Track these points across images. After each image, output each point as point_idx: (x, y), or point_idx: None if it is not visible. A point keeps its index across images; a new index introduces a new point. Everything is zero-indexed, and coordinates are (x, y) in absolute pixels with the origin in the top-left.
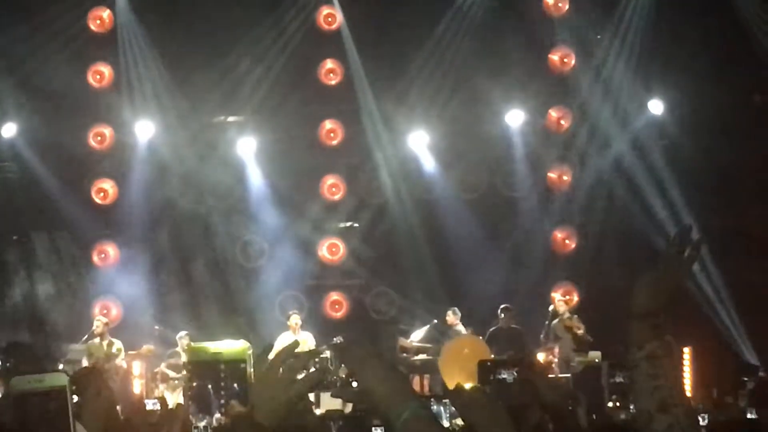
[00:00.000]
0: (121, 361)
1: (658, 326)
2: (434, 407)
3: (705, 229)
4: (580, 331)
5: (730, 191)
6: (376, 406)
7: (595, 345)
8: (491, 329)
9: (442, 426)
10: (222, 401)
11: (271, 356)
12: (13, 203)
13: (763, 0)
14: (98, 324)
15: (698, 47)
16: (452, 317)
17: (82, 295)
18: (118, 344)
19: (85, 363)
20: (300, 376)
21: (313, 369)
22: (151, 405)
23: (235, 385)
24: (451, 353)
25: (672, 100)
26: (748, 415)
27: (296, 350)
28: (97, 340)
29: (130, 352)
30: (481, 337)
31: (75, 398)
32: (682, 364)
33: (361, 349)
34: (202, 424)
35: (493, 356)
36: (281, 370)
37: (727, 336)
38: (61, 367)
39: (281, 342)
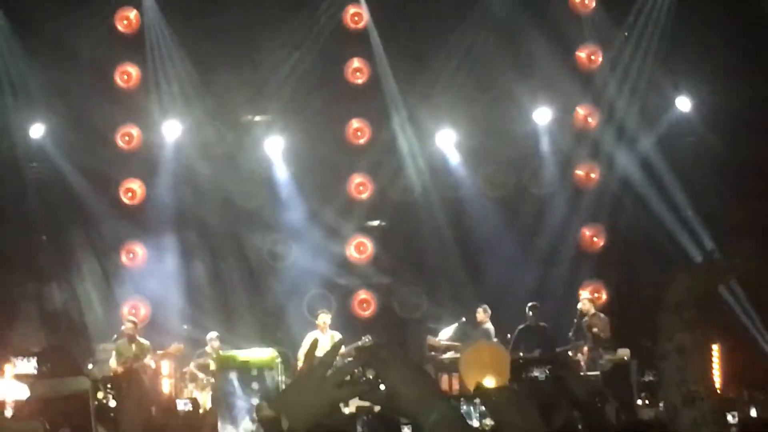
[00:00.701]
0: (149, 361)
1: (689, 319)
2: (464, 407)
3: (732, 225)
4: (595, 329)
5: (757, 187)
6: (404, 408)
7: (623, 343)
8: (519, 327)
9: (470, 426)
10: (250, 408)
11: (300, 357)
12: (41, 204)
13: None
14: (129, 325)
15: (725, 44)
16: (482, 314)
17: (111, 295)
18: (146, 344)
19: (113, 363)
20: (329, 373)
21: (354, 375)
22: (182, 405)
23: (264, 391)
24: (470, 360)
25: (699, 97)
26: None
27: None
28: (125, 340)
29: (158, 352)
30: (508, 335)
31: (113, 402)
32: (711, 360)
33: (387, 351)
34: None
35: (521, 354)
36: (311, 376)
37: (753, 333)
38: (90, 367)
39: (308, 341)
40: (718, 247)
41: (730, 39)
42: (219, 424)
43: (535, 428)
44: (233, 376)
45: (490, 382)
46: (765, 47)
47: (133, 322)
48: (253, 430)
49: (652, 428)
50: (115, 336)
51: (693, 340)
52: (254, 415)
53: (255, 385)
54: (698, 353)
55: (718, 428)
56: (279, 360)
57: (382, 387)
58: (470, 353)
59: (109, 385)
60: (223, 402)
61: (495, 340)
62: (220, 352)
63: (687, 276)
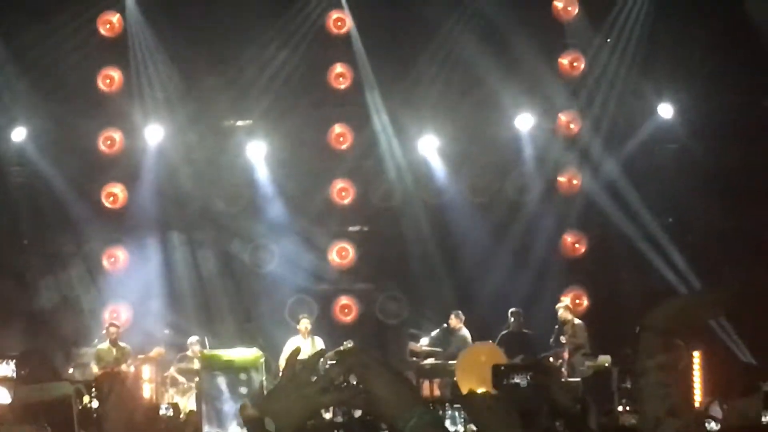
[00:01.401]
0: (129, 366)
1: (670, 344)
2: (448, 412)
3: (713, 231)
4: (572, 337)
5: (739, 194)
6: (383, 413)
7: (604, 349)
8: (502, 333)
9: (448, 431)
10: (235, 408)
11: (281, 362)
12: (22, 208)
13: None
14: (111, 329)
15: (707, 50)
16: (454, 320)
17: (93, 299)
18: (127, 348)
19: (94, 367)
20: (313, 379)
21: (328, 378)
22: (163, 410)
23: (248, 391)
24: (468, 360)
25: (681, 103)
26: (764, 419)
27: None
28: (106, 344)
29: (139, 356)
30: (490, 342)
31: (95, 403)
32: (692, 369)
33: (367, 356)
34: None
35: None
36: (296, 381)
37: (730, 339)
38: (71, 371)
39: (290, 346)
40: (700, 255)
41: (712, 44)
42: (205, 427)
43: None
44: (221, 379)
45: (483, 385)
46: (747, 52)
47: (116, 326)
48: None
49: None
50: (96, 340)
51: (675, 359)
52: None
53: (243, 390)
54: (678, 370)
55: None
56: (262, 360)
57: (363, 392)
58: (468, 354)
59: (93, 389)
60: (208, 404)
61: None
62: (204, 351)
63: (675, 306)
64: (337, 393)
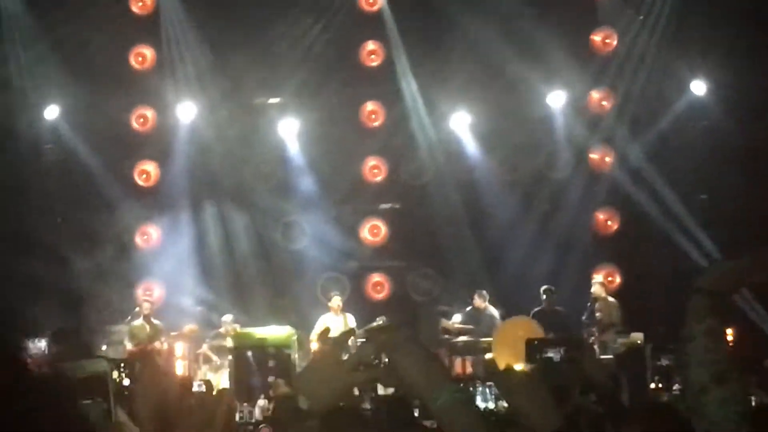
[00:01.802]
0: (162, 343)
1: (719, 307)
2: (479, 389)
3: (745, 212)
4: (598, 314)
5: None
6: (414, 391)
7: (636, 327)
8: (534, 310)
9: (478, 409)
10: (268, 387)
11: (312, 338)
12: (56, 185)
13: None
14: (147, 306)
15: (739, 27)
16: (478, 300)
17: (126, 276)
18: (160, 325)
19: (128, 344)
20: (344, 358)
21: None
22: (196, 386)
23: (280, 368)
24: (505, 335)
25: (714, 81)
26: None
27: (331, 333)
28: (139, 321)
29: (172, 333)
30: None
31: (126, 381)
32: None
33: (398, 334)
34: (245, 408)
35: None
36: (327, 359)
37: (760, 319)
38: (104, 348)
39: (322, 323)
40: (731, 234)
41: (745, 21)
42: (236, 401)
43: (548, 410)
44: (250, 354)
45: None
46: None
47: (150, 302)
48: (267, 406)
49: (666, 410)
50: (129, 317)
51: (721, 325)
52: (270, 392)
53: (271, 363)
54: (725, 338)
55: (744, 408)
56: (295, 338)
57: (394, 370)
58: (504, 330)
59: (122, 366)
60: (241, 380)
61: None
62: (237, 329)
63: (725, 268)
64: (369, 371)
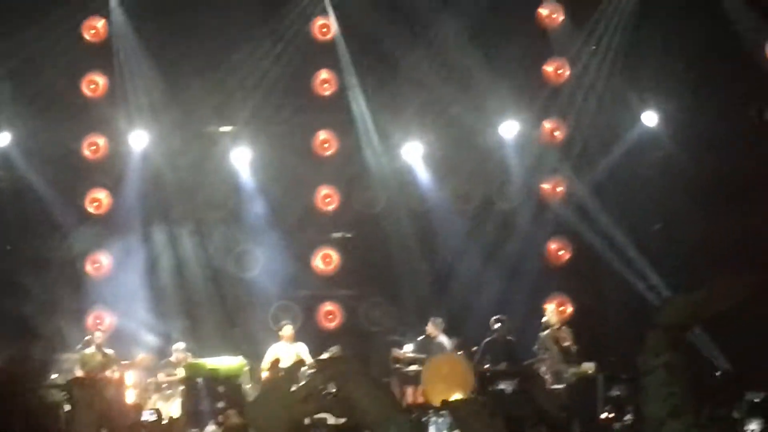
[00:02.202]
0: (114, 371)
1: (678, 341)
2: (432, 418)
3: (700, 238)
4: (566, 343)
5: (726, 201)
6: (364, 421)
7: (587, 356)
8: (486, 340)
9: None
10: (218, 414)
11: (263, 367)
12: (6, 213)
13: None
14: (98, 335)
15: (691, 59)
16: (431, 327)
17: (76, 304)
18: (111, 354)
19: (78, 372)
20: (293, 389)
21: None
22: (147, 415)
23: (230, 395)
24: (431, 374)
25: (666, 111)
26: (748, 427)
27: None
28: (91, 349)
29: (124, 362)
30: (474, 348)
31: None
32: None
33: (347, 364)
34: None
35: (488, 367)
36: (277, 390)
37: (706, 349)
38: (55, 377)
39: (273, 353)
40: (686, 262)
41: (696, 53)
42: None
43: None
44: (200, 380)
45: (454, 395)
46: (731, 60)
47: (102, 331)
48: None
49: None
50: (80, 345)
51: (680, 359)
52: (219, 418)
53: (221, 389)
54: (686, 369)
55: None
56: (247, 369)
57: (343, 400)
58: (429, 368)
59: (63, 392)
60: (191, 408)
61: (450, 351)
62: (189, 360)
63: (684, 301)
64: (319, 401)
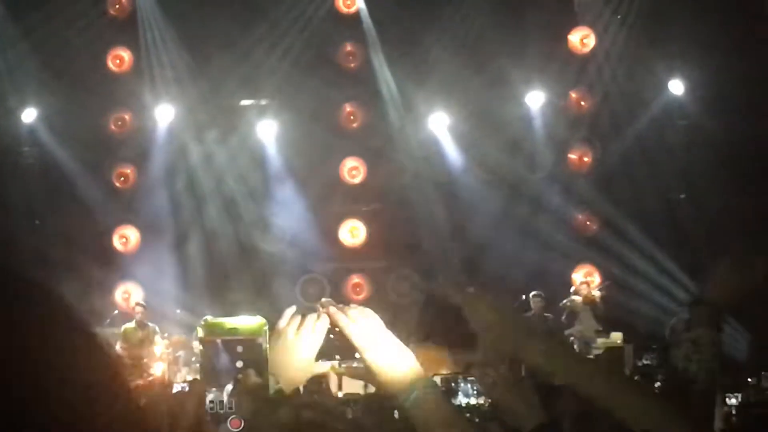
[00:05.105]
0: (154, 346)
1: (714, 317)
2: (461, 384)
3: (725, 208)
4: (595, 313)
5: (751, 171)
6: (383, 387)
7: (615, 327)
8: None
9: (450, 403)
10: (237, 373)
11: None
12: (34, 188)
13: None
14: (139, 310)
15: (717, 25)
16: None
17: (103, 280)
18: (152, 328)
19: (119, 348)
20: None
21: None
22: (178, 388)
23: (248, 354)
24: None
25: (692, 79)
26: None
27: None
28: (132, 324)
29: (163, 337)
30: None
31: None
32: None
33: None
34: (211, 396)
35: None
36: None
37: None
38: None
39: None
40: (712, 232)
41: (722, 19)
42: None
43: (532, 411)
44: (218, 341)
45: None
46: (758, 25)
47: (142, 306)
48: (236, 392)
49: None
50: (108, 320)
51: (710, 337)
52: (239, 377)
53: (239, 348)
54: (716, 347)
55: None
56: (266, 328)
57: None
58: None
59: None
60: (209, 367)
61: None
62: (208, 319)
63: (725, 275)
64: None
